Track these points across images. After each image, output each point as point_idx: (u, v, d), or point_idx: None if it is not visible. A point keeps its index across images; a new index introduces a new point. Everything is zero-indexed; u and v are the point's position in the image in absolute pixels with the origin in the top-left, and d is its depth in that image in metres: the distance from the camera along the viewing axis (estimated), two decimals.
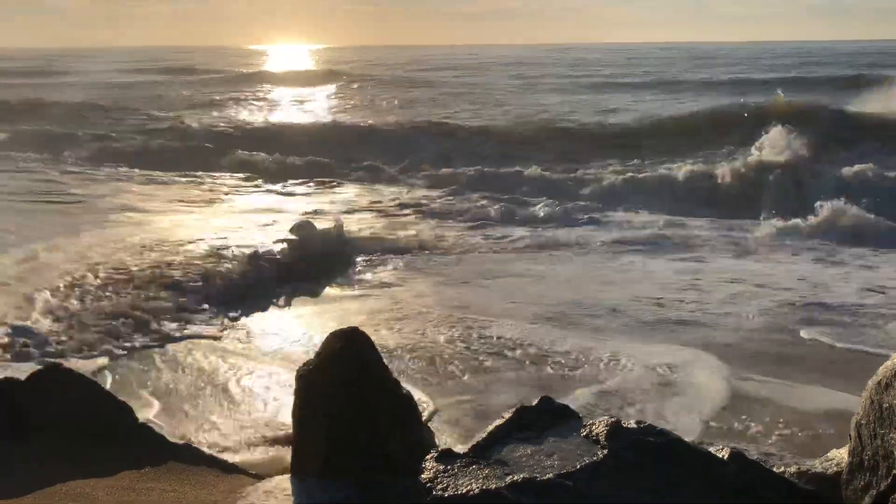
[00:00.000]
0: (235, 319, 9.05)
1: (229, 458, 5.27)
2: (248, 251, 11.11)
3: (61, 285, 9.29)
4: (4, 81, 47.22)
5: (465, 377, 7.36)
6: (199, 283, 9.80)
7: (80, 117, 30.14)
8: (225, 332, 8.57)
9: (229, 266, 10.47)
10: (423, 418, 6.13)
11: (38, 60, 77.58)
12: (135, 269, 10.08)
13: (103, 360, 7.56)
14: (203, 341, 8.28)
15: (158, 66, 64.77)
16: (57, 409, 4.70)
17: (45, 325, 8.19)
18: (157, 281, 9.70)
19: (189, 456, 4.77)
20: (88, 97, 37.42)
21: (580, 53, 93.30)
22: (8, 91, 38.77)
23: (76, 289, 9.25)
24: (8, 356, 7.35)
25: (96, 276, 9.71)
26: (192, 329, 8.57)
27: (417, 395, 6.68)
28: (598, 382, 7.18)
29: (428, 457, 3.41)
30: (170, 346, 8.08)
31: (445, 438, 5.64)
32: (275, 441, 5.76)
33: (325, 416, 4.28)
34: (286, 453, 4.88)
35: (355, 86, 47.45)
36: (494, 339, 8.35)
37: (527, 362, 7.73)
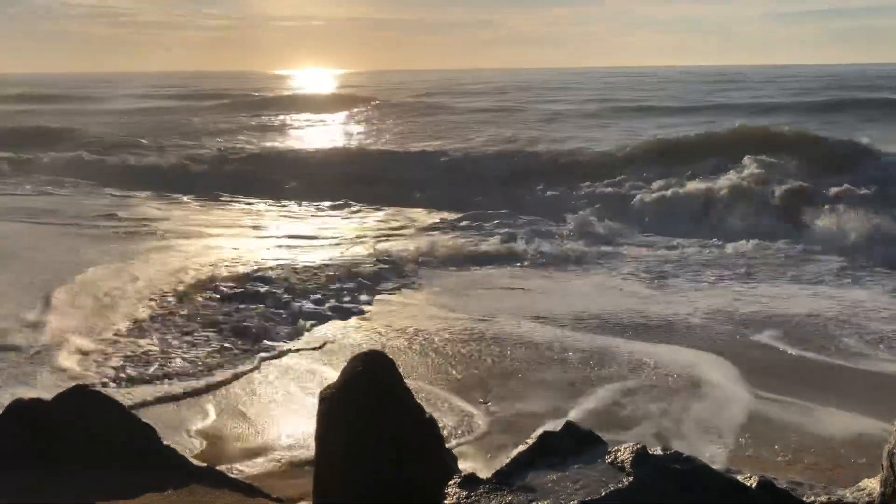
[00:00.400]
0: (313, 328, 9.60)
1: (256, 473, 5.28)
2: (305, 269, 11.90)
3: (152, 306, 9.80)
4: (37, 107, 48.18)
5: (495, 382, 7.71)
6: (282, 297, 10.49)
7: (112, 142, 30.69)
8: (300, 345, 8.98)
9: (297, 283, 11.23)
10: (471, 435, 6.17)
11: (66, 86, 79.18)
12: (221, 287, 10.77)
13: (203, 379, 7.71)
14: (297, 355, 8.67)
15: (186, 91, 65.71)
16: (82, 430, 4.73)
17: (141, 345, 8.54)
18: (240, 299, 10.33)
19: (212, 479, 4.77)
20: (120, 122, 38.06)
21: (604, 77, 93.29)
22: (41, 117, 39.55)
23: (162, 310, 9.75)
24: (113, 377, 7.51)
25: (184, 297, 10.30)
26: (283, 345, 8.94)
27: (467, 408, 6.87)
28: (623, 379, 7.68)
29: (451, 482, 3.38)
30: (264, 362, 8.40)
31: (469, 464, 5.61)
32: (298, 463, 5.75)
33: (346, 439, 4.26)
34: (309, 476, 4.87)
35: (372, 108, 47.85)
36: (517, 342, 8.85)
37: (550, 363, 8.19)
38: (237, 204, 20.30)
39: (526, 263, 13.37)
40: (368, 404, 4.27)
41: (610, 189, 20.16)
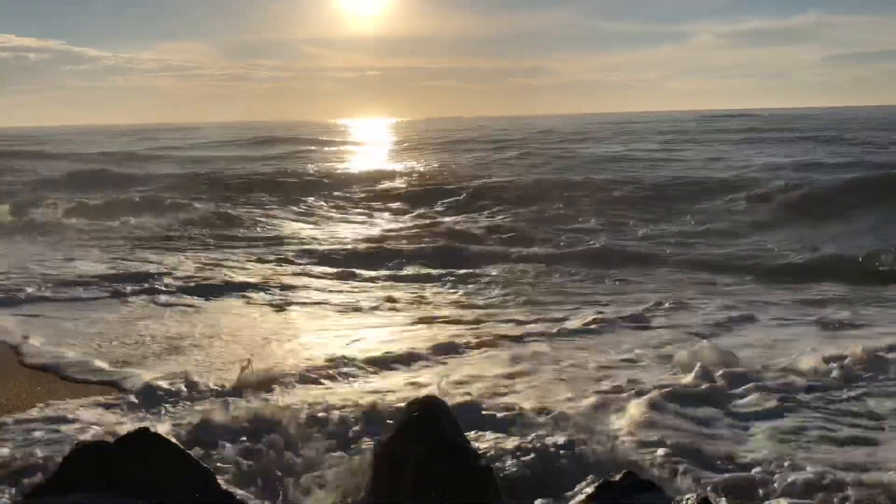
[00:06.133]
0: None
1: None
2: None
3: None
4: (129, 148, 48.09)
5: None
6: None
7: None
8: None
9: None
10: None
11: (140, 135, 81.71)
12: None
13: None
14: None
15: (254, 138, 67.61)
16: (143, 473, 4.78)
17: None
18: None
19: None
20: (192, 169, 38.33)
21: (664, 121, 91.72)
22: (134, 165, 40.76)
23: None
24: None
25: None
26: None
27: None
28: None
29: None
30: None
31: None
32: None
33: (401, 488, 4.23)
34: None
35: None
36: None
37: None
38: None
39: None
40: (423, 451, 4.23)
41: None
